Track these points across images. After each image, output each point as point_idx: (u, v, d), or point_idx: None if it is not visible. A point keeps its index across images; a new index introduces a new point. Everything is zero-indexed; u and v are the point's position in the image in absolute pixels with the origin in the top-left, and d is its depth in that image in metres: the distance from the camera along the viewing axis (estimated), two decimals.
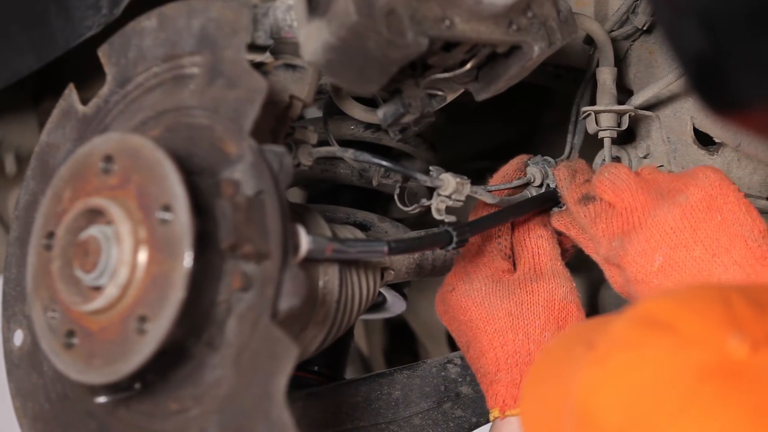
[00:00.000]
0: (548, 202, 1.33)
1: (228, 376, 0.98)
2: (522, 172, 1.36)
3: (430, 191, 1.23)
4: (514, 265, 1.33)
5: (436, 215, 1.22)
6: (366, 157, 1.20)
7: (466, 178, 1.22)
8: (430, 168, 1.22)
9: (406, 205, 1.28)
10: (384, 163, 1.21)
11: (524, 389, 1.01)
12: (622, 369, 0.85)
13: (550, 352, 1.03)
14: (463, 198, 1.22)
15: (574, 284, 1.29)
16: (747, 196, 1.43)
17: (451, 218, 1.21)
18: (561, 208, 1.33)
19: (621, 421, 0.83)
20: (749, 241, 1.15)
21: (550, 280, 1.27)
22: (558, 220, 1.31)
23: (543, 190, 1.35)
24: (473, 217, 1.31)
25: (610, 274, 1.24)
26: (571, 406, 0.87)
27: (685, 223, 1.17)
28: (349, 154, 1.22)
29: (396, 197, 1.29)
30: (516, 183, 1.34)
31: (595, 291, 2.02)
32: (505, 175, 1.35)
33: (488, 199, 1.28)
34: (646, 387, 0.83)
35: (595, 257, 1.26)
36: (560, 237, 1.35)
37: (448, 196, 1.21)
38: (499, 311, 1.24)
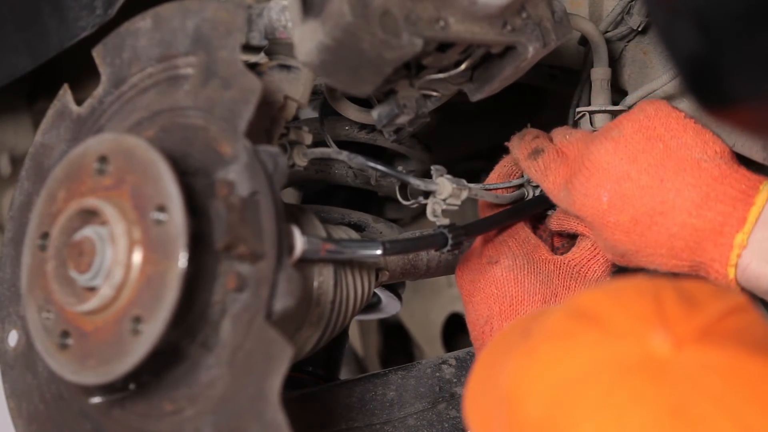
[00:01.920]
0: (546, 202, 1.32)
1: (223, 377, 0.98)
2: (518, 171, 1.35)
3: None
4: (552, 247, 1.33)
5: (430, 217, 1.22)
6: (360, 160, 1.20)
7: (464, 182, 1.22)
8: (432, 167, 1.22)
9: (407, 200, 1.28)
10: (379, 167, 1.20)
11: (469, 379, 1.00)
12: (547, 359, 0.85)
13: (498, 341, 1.03)
14: (459, 202, 1.23)
15: None
16: None
17: (444, 221, 1.21)
18: None
19: (543, 411, 0.83)
20: (702, 162, 1.14)
21: (589, 285, 1.26)
22: (554, 222, 1.31)
23: (540, 190, 1.34)
24: (482, 216, 1.31)
25: (594, 241, 1.24)
26: (501, 393, 0.87)
27: (620, 155, 1.17)
28: (343, 156, 1.22)
29: (397, 191, 1.29)
30: (515, 182, 1.34)
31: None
32: (500, 175, 1.35)
33: (491, 199, 1.28)
34: (569, 378, 0.83)
35: (585, 233, 1.26)
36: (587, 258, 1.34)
37: (444, 200, 1.21)
38: (536, 294, 1.23)
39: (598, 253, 1.27)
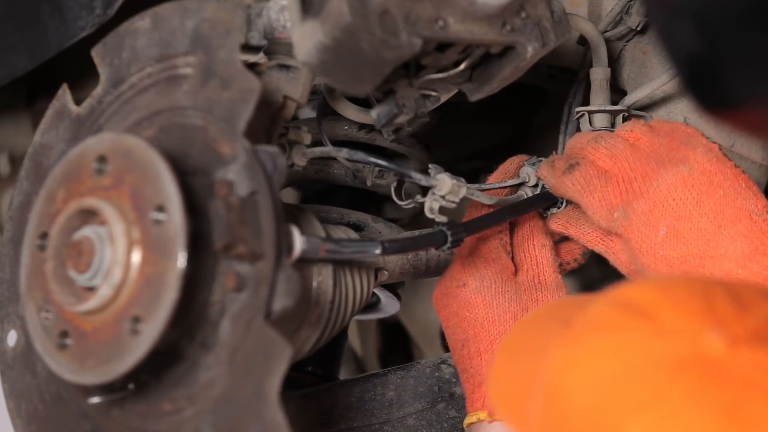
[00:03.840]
0: (544, 202, 1.32)
1: (222, 377, 0.98)
2: (515, 173, 1.35)
3: (425, 190, 1.23)
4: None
5: (428, 214, 1.22)
6: (361, 156, 1.20)
7: (462, 180, 1.22)
8: (429, 166, 1.22)
9: (402, 200, 1.28)
10: (379, 161, 1.20)
11: (495, 363, 1.00)
12: (596, 350, 0.84)
13: (524, 327, 1.03)
14: (457, 199, 1.22)
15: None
16: None
17: (443, 218, 1.21)
18: (559, 208, 1.33)
19: (589, 403, 0.82)
20: (754, 215, 1.15)
21: (554, 292, 1.26)
22: (556, 221, 1.31)
23: (538, 190, 1.35)
24: (468, 217, 1.30)
25: (613, 251, 1.24)
26: (542, 382, 0.86)
27: (687, 194, 1.17)
28: (343, 153, 1.22)
29: (392, 191, 1.29)
30: (510, 182, 1.34)
31: (593, 291, 2.02)
32: (503, 175, 1.35)
33: (485, 200, 1.28)
34: (618, 372, 0.82)
35: (596, 244, 1.26)
36: (561, 249, 1.35)
37: (443, 197, 1.21)
38: (506, 314, 1.23)
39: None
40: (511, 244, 1.31)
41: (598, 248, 1.27)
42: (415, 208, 1.26)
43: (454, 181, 1.20)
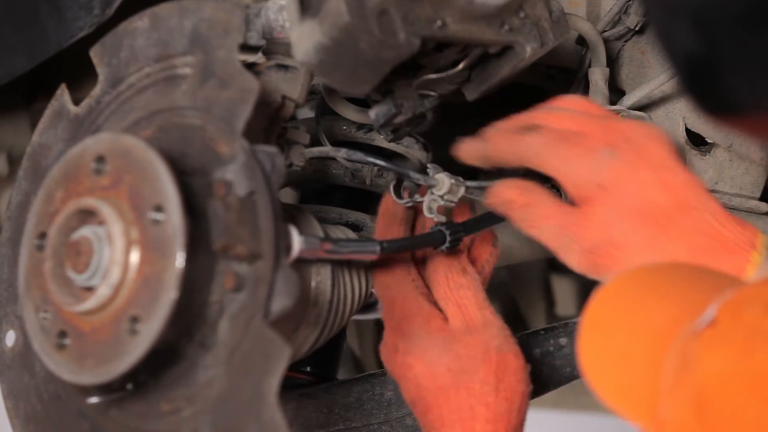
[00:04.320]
0: None
1: (220, 377, 0.98)
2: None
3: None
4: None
5: (426, 213, 1.22)
6: (359, 156, 1.20)
7: (461, 179, 1.22)
8: (428, 165, 1.22)
9: (400, 198, 1.28)
10: (378, 161, 1.20)
11: (583, 339, 0.93)
12: (766, 366, 0.78)
13: (611, 301, 0.96)
14: (456, 199, 1.22)
15: (509, 330, 1.21)
16: (738, 195, 1.43)
17: (441, 218, 1.21)
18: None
19: (764, 425, 0.77)
20: None
21: (483, 332, 1.19)
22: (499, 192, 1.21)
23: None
24: (457, 216, 1.29)
25: (574, 223, 1.16)
26: (689, 386, 0.81)
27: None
28: (341, 153, 1.22)
29: (391, 188, 1.29)
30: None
31: (587, 290, 2.02)
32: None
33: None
34: None
35: (550, 219, 1.17)
36: (472, 252, 1.28)
37: (441, 196, 1.21)
38: (439, 367, 1.17)
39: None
40: (430, 288, 1.24)
41: (552, 224, 1.17)
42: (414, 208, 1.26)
43: (453, 180, 1.21)
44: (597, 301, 0.96)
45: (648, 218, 1.12)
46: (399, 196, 1.28)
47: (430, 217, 1.22)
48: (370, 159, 1.20)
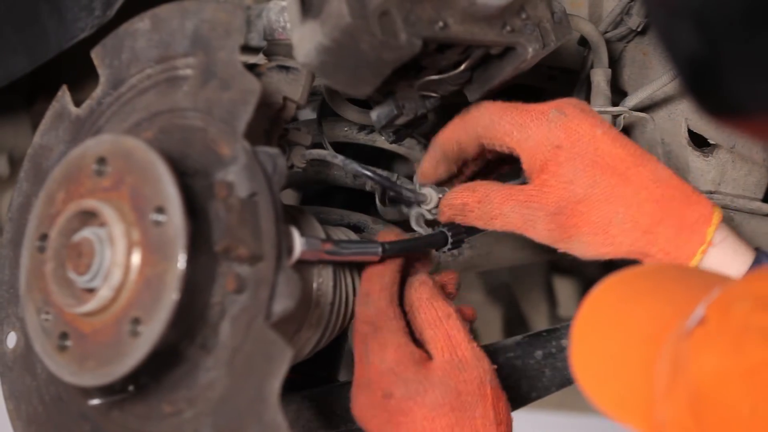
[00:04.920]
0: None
1: (222, 379, 0.98)
2: None
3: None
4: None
5: (414, 226, 1.23)
6: (354, 167, 1.20)
7: (447, 190, 1.22)
8: (414, 176, 1.23)
9: (385, 205, 1.29)
10: (369, 174, 1.20)
11: (576, 343, 0.94)
12: (758, 361, 0.78)
13: (602, 304, 0.96)
14: None
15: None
16: (741, 197, 1.43)
17: (428, 230, 1.22)
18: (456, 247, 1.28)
19: (761, 418, 0.77)
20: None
21: (477, 366, 1.15)
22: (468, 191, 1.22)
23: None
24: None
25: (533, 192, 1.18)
26: (683, 386, 0.82)
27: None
28: (338, 161, 1.22)
29: (377, 195, 1.30)
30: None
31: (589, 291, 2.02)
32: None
33: None
34: None
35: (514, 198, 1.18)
36: (439, 278, 1.25)
37: (429, 210, 1.23)
38: (444, 406, 1.12)
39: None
40: (413, 324, 1.19)
41: (513, 203, 1.18)
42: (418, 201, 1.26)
43: (440, 195, 1.22)
44: (586, 308, 0.97)
45: (606, 168, 1.14)
46: (384, 203, 1.29)
47: (418, 229, 1.23)
48: (363, 171, 1.20)
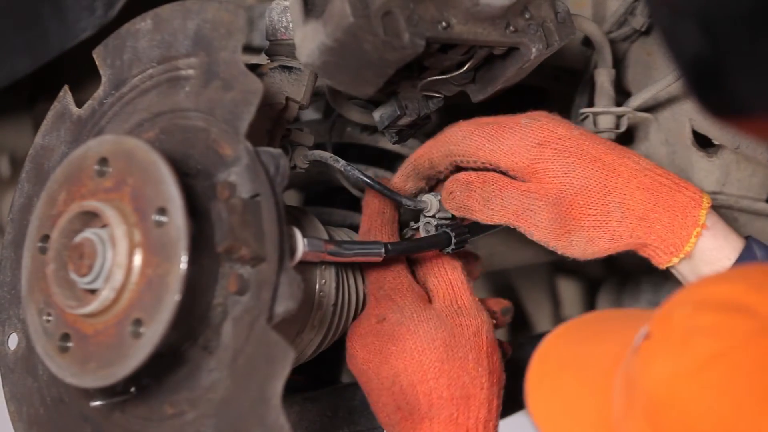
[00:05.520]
0: None
1: (224, 380, 0.98)
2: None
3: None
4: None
5: (423, 235, 1.24)
6: (354, 174, 1.20)
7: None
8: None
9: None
10: (370, 182, 1.20)
11: (531, 386, 0.96)
12: (705, 357, 0.80)
13: (557, 347, 1.00)
14: (449, 214, 1.23)
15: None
16: (745, 197, 1.43)
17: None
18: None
19: (717, 413, 0.78)
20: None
21: (476, 315, 1.19)
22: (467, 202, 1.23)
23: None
24: None
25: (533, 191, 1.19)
26: (639, 400, 0.83)
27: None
28: (340, 166, 1.22)
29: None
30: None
31: (593, 291, 2.02)
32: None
33: None
34: (741, 378, 0.78)
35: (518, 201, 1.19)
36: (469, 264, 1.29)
37: (433, 216, 1.23)
38: (435, 340, 1.15)
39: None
40: (416, 274, 1.25)
41: (513, 190, 1.19)
42: (418, 210, 1.25)
43: (439, 198, 1.22)
44: (537, 356, 1.01)
45: (595, 161, 1.16)
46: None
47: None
48: (366, 180, 1.20)
